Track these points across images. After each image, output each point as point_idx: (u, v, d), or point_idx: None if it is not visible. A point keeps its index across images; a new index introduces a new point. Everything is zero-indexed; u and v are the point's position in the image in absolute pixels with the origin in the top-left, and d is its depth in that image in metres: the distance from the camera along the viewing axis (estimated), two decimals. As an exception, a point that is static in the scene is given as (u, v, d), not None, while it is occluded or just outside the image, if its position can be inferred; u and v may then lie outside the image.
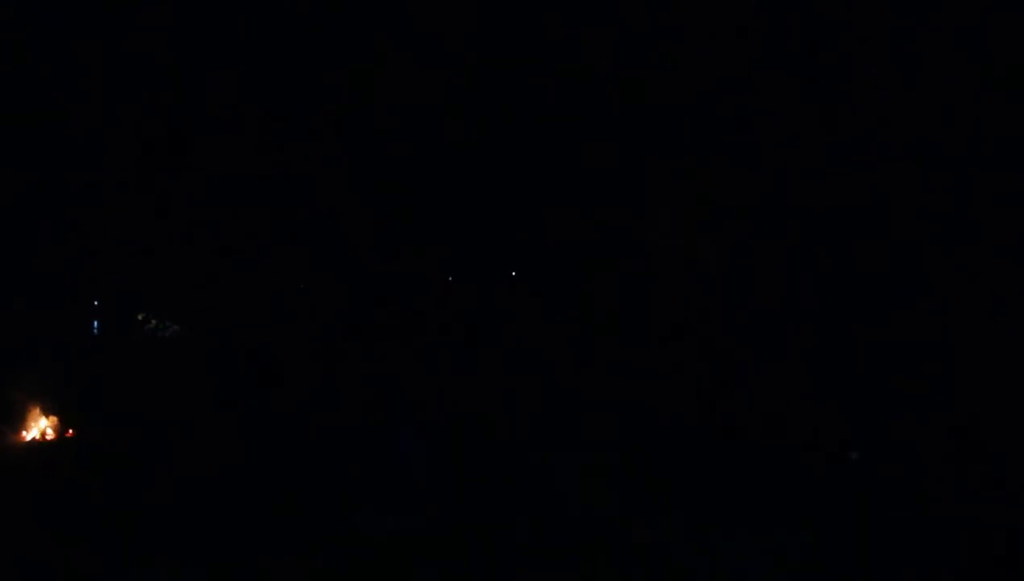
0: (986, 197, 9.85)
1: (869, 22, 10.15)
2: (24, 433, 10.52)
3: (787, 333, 11.02)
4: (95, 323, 12.62)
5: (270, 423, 10.83)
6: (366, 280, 12.59)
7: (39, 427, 10.59)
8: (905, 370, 10.10)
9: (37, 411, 10.64)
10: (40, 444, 10.46)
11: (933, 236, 10.18)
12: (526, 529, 7.25)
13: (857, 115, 10.40)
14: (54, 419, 10.68)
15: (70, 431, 10.70)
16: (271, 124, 11.82)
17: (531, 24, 11.30)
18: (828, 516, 7.41)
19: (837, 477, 8.55)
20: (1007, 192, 9.69)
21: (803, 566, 6.35)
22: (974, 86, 9.75)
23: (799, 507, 7.70)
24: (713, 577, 6.21)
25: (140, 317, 12.69)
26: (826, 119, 10.54)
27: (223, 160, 11.91)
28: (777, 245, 11.27)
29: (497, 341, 12.22)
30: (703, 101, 11.08)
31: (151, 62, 11.37)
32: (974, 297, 9.90)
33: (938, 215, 10.15)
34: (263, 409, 11.25)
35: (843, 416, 9.91)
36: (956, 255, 10.02)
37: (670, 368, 11.26)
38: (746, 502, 7.85)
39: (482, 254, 12.78)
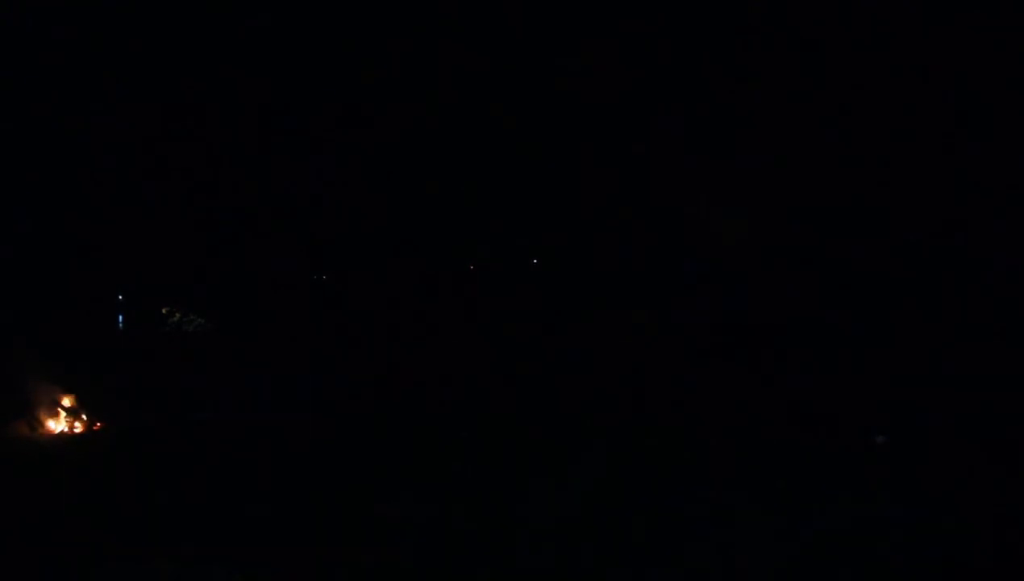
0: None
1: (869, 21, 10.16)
2: (52, 426, 10.68)
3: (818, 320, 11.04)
4: (120, 317, 12.77)
5: (293, 413, 10.98)
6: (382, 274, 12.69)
7: (67, 420, 10.75)
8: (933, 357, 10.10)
9: (64, 405, 10.79)
10: (68, 437, 10.62)
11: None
12: (532, 518, 7.29)
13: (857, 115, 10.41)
14: (81, 413, 10.83)
15: (98, 424, 10.85)
16: (283, 120, 11.93)
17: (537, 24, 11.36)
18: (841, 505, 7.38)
19: (859, 465, 8.52)
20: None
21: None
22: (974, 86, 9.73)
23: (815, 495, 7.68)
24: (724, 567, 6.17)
25: (164, 311, 12.84)
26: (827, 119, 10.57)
27: (240, 155, 12.04)
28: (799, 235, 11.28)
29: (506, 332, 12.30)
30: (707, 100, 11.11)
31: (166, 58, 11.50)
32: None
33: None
34: (287, 400, 11.42)
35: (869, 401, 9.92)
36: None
37: (689, 357, 11.30)
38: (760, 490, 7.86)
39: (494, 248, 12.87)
